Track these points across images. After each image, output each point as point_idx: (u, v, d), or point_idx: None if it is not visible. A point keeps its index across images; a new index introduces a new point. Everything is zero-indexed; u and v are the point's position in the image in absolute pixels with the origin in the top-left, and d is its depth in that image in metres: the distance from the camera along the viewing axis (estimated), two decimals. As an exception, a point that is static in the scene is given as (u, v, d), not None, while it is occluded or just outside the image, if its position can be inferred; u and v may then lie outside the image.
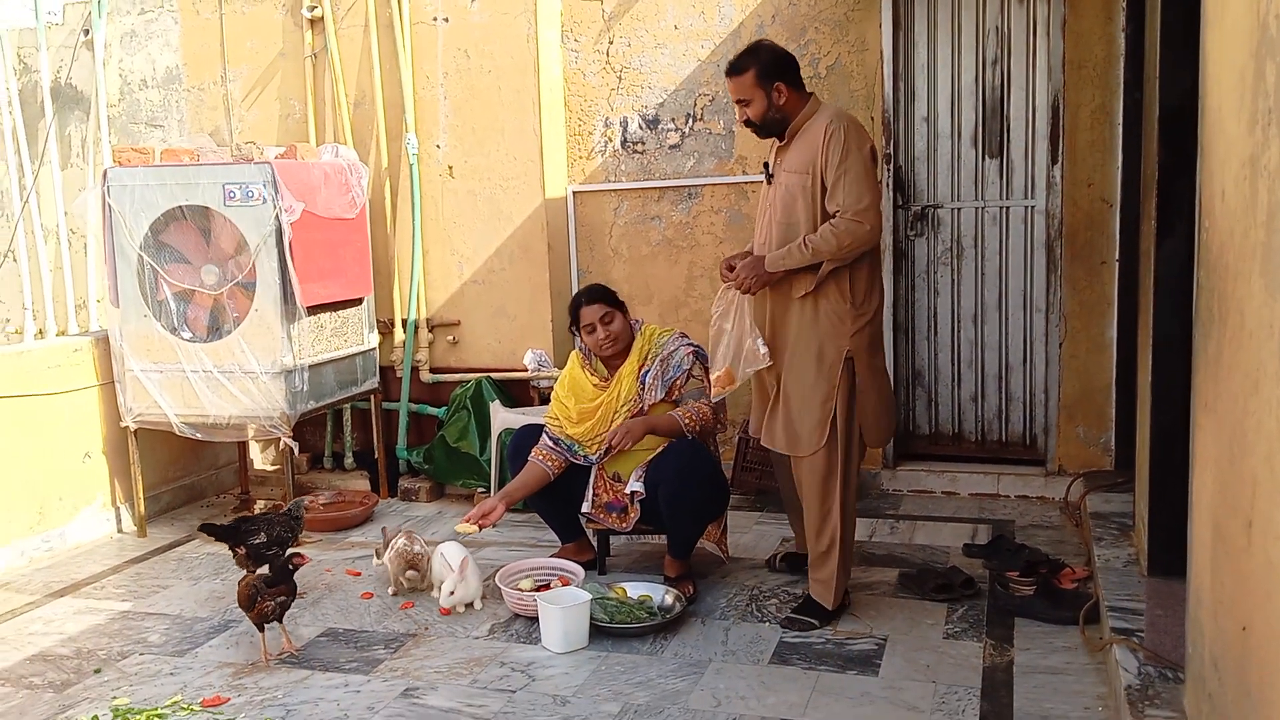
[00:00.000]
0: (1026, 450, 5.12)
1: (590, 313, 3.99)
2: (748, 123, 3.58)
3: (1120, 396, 4.76)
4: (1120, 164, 4.69)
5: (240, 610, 3.58)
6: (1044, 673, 3.21)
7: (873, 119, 4.99)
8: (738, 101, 3.56)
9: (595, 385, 4.05)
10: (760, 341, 3.54)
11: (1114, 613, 3.22)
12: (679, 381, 3.92)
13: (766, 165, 3.64)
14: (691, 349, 3.97)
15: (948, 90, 5.03)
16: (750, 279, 3.51)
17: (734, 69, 3.52)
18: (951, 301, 5.14)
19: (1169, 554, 3.32)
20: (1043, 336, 4.97)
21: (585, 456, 4.03)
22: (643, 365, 3.97)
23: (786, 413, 3.57)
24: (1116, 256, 4.75)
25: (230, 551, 3.92)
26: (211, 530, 3.93)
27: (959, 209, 5.08)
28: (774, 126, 3.56)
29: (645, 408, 3.95)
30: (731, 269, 3.60)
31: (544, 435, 4.09)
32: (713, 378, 3.67)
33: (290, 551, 3.61)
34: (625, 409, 3.97)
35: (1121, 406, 4.74)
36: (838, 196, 3.39)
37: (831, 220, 3.39)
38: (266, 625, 3.53)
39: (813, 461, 3.54)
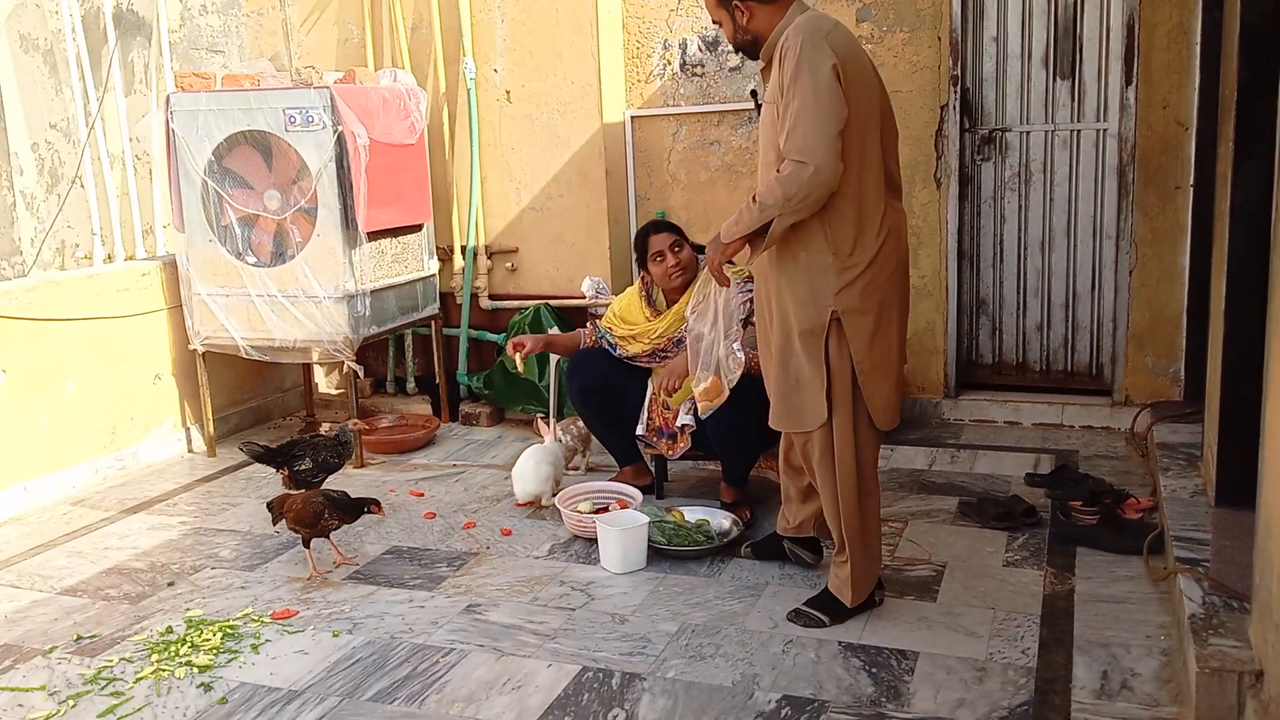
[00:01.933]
0: (1092, 380, 5.04)
1: (660, 240, 3.99)
2: (735, 48, 3.12)
3: (1191, 325, 4.65)
4: (1198, 85, 4.53)
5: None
6: (1106, 601, 3.18)
7: (940, 39, 4.86)
8: (715, 23, 3.11)
9: (646, 317, 4.07)
10: (737, 345, 3.15)
11: (1179, 543, 3.18)
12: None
13: (754, 93, 3.14)
14: (747, 297, 3.92)
15: (1018, 9, 4.88)
16: (714, 258, 3.06)
17: None
18: (1018, 228, 5.03)
19: (1238, 484, 3.27)
20: (1112, 264, 4.86)
21: (620, 354, 4.14)
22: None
23: (781, 383, 3.07)
24: (1191, 181, 4.61)
25: (276, 472, 4.01)
26: (254, 453, 3.99)
27: (1028, 132, 4.95)
28: (750, 49, 3.05)
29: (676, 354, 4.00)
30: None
31: (592, 321, 4.28)
32: (697, 391, 3.27)
33: (369, 497, 3.67)
34: (656, 340, 4.04)
35: (1192, 336, 4.64)
36: (783, 132, 2.82)
37: (780, 165, 2.84)
38: (314, 541, 3.63)
39: (821, 437, 3.02)
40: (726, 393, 3.24)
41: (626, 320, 4.18)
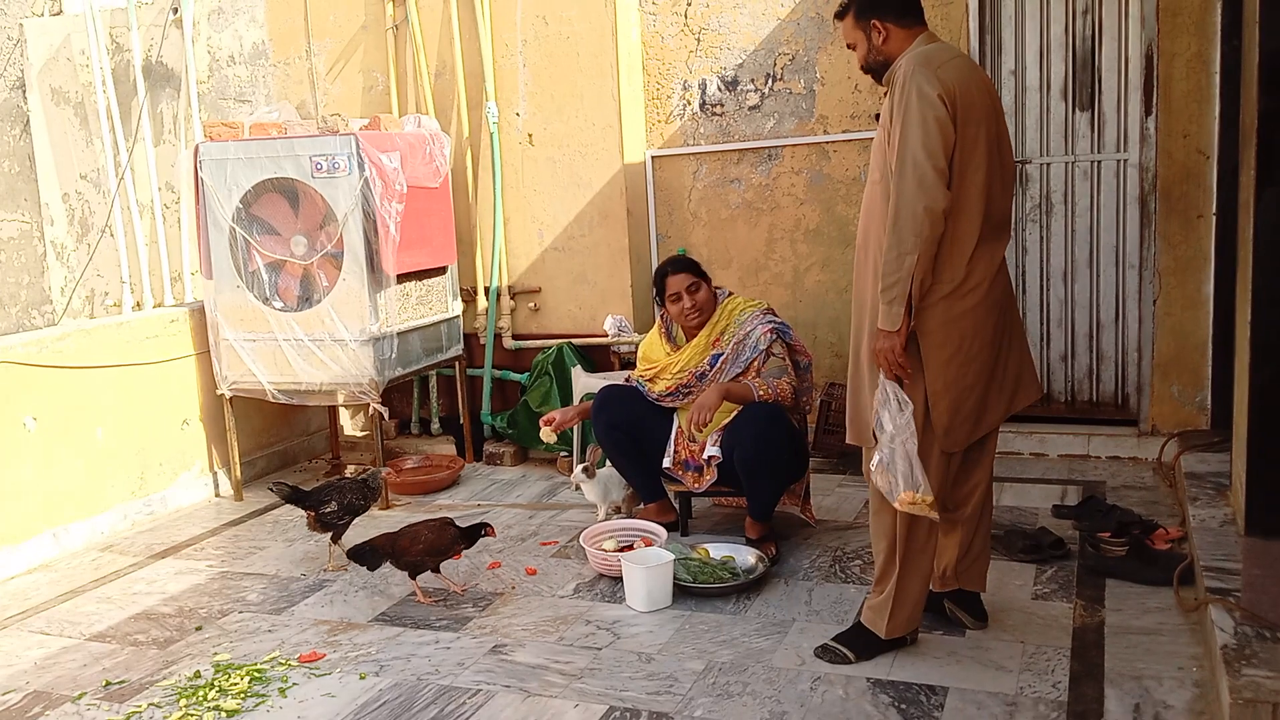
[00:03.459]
0: (1118, 410, 5.00)
1: (677, 281, 4.03)
2: (863, 69, 3.09)
3: (1217, 354, 4.62)
4: (1218, 114, 4.53)
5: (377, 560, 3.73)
6: (1136, 633, 3.14)
7: (957, 74, 4.88)
8: (849, 47, 3.10)
9: (666, 353, 4.11)
10: (912, 446, 2.85)
11: (1209, 573, 3.14)
12: (756, 363, 3.92)
13: (879, 117, 3.10)
14: (770, 327, 3.95)
15: (1036, 42, 4.90)
16: (886, 356, 2.85)
17: (838, 12, 3.09)
18: (1040, 259, 5.02)
19: (1268, 513, 3.24)
20: (1136, 294, 4.84)
21: (649, 396, 4.16)
22: (716, 340, 3.99)
23: (853, 394, 3.08)
24: (1214, 210, 4.59)
25: (305, 513, 4.09)
26: (284, 493, 4.07)
27: (1048, 164, 4.96)
28: (880, 70, 3.02)
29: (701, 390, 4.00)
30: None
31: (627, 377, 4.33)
32: (906, 502, 2.87)
33: (482, 522, 3.79)
34: (679, 376, 4.05)
35: (1218, 364, 4.60)
36: (893, 160, 2.81)
37: (890, 201, 2.82)
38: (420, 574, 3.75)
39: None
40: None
41: (648, 359, 4.20)
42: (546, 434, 4.27)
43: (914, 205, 2.77)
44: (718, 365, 3.98)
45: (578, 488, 4.37)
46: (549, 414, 4.30)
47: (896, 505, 2.87)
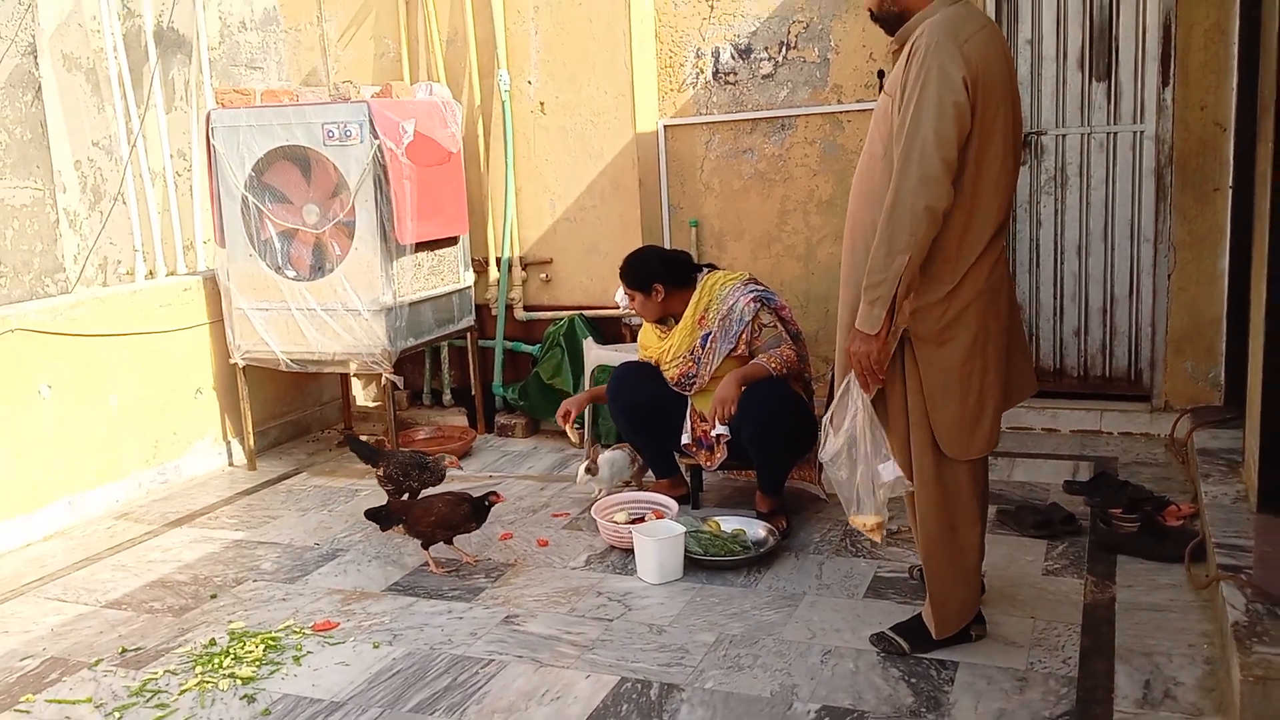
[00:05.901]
0: (1131, 386, 4.99)
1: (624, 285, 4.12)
2: (872, 16, 2.83)
3: (1231, 330, 4.60)
4: (1236, 85, 4.48)
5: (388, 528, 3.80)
6: (1147, 609, 3.15)
7: (973, 44, 4.83)
8: None
9: (659, 337, 4.15)
10: (892, 461, 2.74)
11: (1221, 549, 3.14)
12: (745, 336, 3.90)
13: (881, 74, 2.96)
14: (752, 296, 3.93)
15: (1053, 11, 4.85)
16: (861, 361, 2.67)
17: None
18: (1054, 232, 5.00)
19: (1281, 490, 3.24)
20: (1150, 268, 4.81)
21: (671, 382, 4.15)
22: (701, 319, 3.98)
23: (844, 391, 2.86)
24: (1230, 183, 4.55)
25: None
26: (356, 446, 4.20)
27: (1064, 135, 4.92)
28: (893, 22, 2.75)
29: (705, 374, 3.98)
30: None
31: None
32: (859, 524, 2.84)
33: (487, 491, 3.79)
34: (676, 362, 4.04)
35: (1232, 340, 4.58)
36: (899, 141, 2.56)
37: (889, 193, 2.59)
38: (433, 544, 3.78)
39: (900, 454, 2.81)
40: (886, 518, 2.87)
41: (644, 345, 4.22)
42: (572, 433, 4.34)
43: (914, 202, 2.53)
44: (708, 345, 3.97)
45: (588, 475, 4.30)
46: (563, 408, 4.27)
47: (873, 531, 2.80)
